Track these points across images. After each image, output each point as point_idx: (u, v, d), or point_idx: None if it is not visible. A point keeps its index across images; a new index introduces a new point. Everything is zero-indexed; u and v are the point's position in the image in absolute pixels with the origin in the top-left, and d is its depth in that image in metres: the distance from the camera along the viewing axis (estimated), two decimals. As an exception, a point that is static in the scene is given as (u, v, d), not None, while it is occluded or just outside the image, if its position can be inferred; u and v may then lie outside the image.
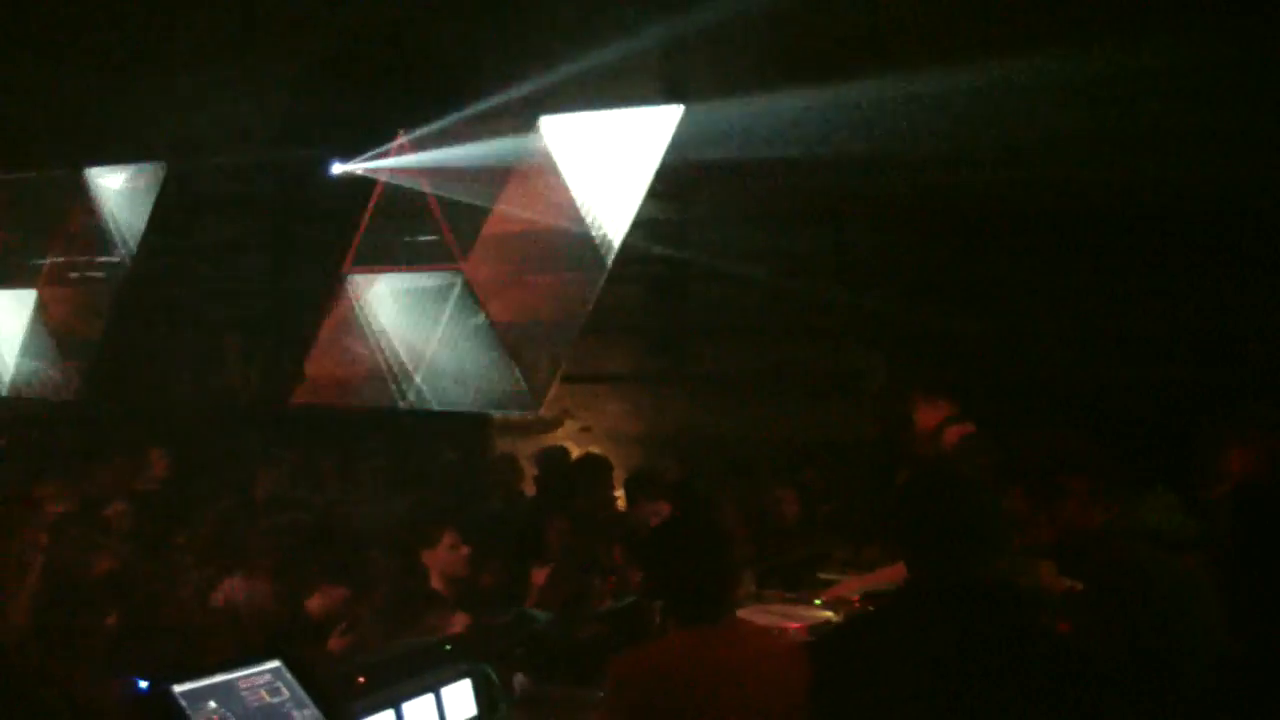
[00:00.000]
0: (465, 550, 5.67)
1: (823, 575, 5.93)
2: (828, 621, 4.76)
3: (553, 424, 10.20)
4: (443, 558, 5.65)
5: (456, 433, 10.23)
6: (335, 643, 5.12)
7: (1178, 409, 7.08)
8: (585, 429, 10.14)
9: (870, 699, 2.64)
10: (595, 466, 8.20)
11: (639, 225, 9.46)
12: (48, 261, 12.38)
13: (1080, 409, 7.31)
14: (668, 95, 9.39)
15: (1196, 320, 7.90)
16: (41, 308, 12.34)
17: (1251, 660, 2.44)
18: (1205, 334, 7.92)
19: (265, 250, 12.39)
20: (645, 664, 3.24)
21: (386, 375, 10.21)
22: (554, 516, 6.92)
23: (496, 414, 10.24)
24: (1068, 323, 8.25)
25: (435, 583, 5.63)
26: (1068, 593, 3.55)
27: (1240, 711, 2.43)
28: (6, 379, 12.36)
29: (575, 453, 9.23)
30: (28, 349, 12.36)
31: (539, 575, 6.25)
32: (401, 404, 10.05)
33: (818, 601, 5.33)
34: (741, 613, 5.07)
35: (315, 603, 5.56)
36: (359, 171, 10.41)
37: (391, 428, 10.03)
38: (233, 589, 5.78)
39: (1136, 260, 7.94)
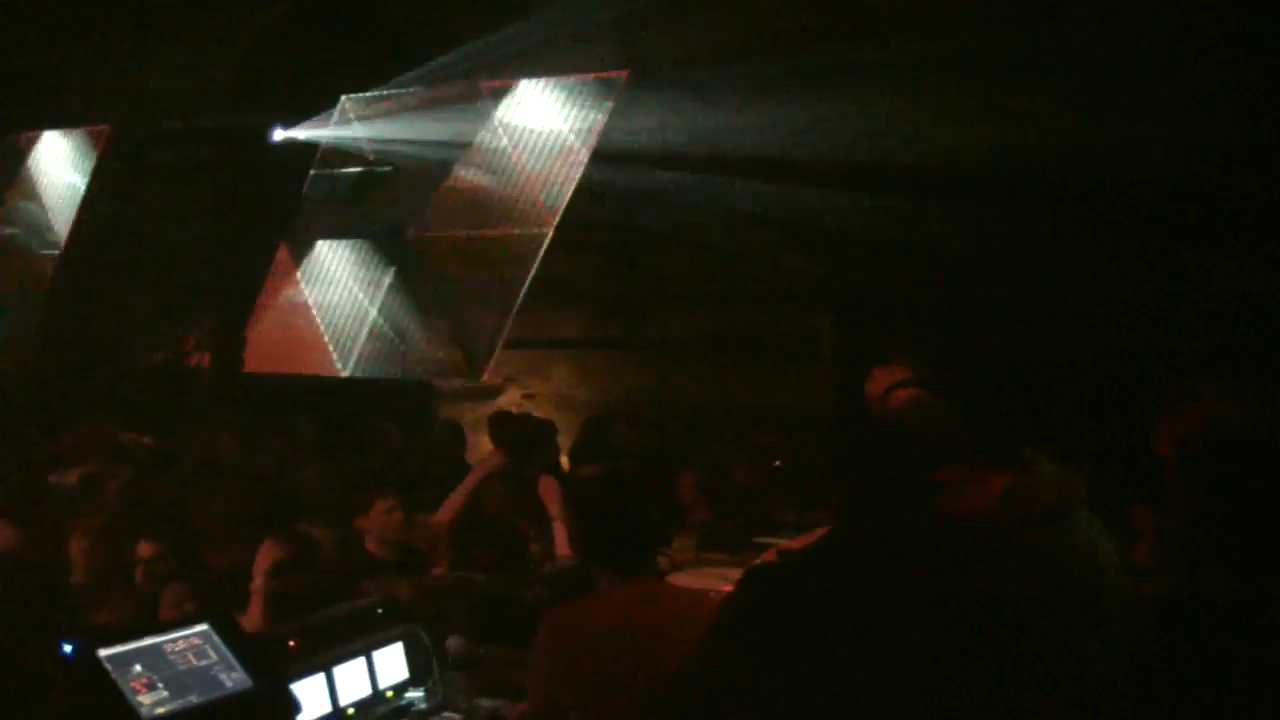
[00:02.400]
0: (399, 515, 5.68)
1: (763, 539, 5.96)
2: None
3: (497, 391, 10.17)
4: (377, 522, 5.65)
5: (399, 400, 10.19)
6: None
7: (1125, 379, 7.14)
8: (528, 396, 10.12)
9: (758, 645, 2.67)
10: (543, 431, 8.23)
11: (588, 191, 9.43)
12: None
13: (1025, 380, 7.33)
14: (615, 61, 9.34)
15: (1150, 291, 7.90)
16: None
17: (1213, 601, 2.47)
18: (1155, 304, 7.93)
19: (208, 217, 12.25)
20: (571, 620, 3.25)
21: (328, 343, 10.13)
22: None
23: (439, 382, 10.21)
24: (1020, 290, 8.26)
25: (371, 547, 5.63)
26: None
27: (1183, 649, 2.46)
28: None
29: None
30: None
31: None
32: (343, 372, 9.97)
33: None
34: (681, 576, 5.12)
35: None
36: (301, 138, 10.29)
37: (335, 396, 9.95)
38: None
39: (1093, 229, 7.95)
